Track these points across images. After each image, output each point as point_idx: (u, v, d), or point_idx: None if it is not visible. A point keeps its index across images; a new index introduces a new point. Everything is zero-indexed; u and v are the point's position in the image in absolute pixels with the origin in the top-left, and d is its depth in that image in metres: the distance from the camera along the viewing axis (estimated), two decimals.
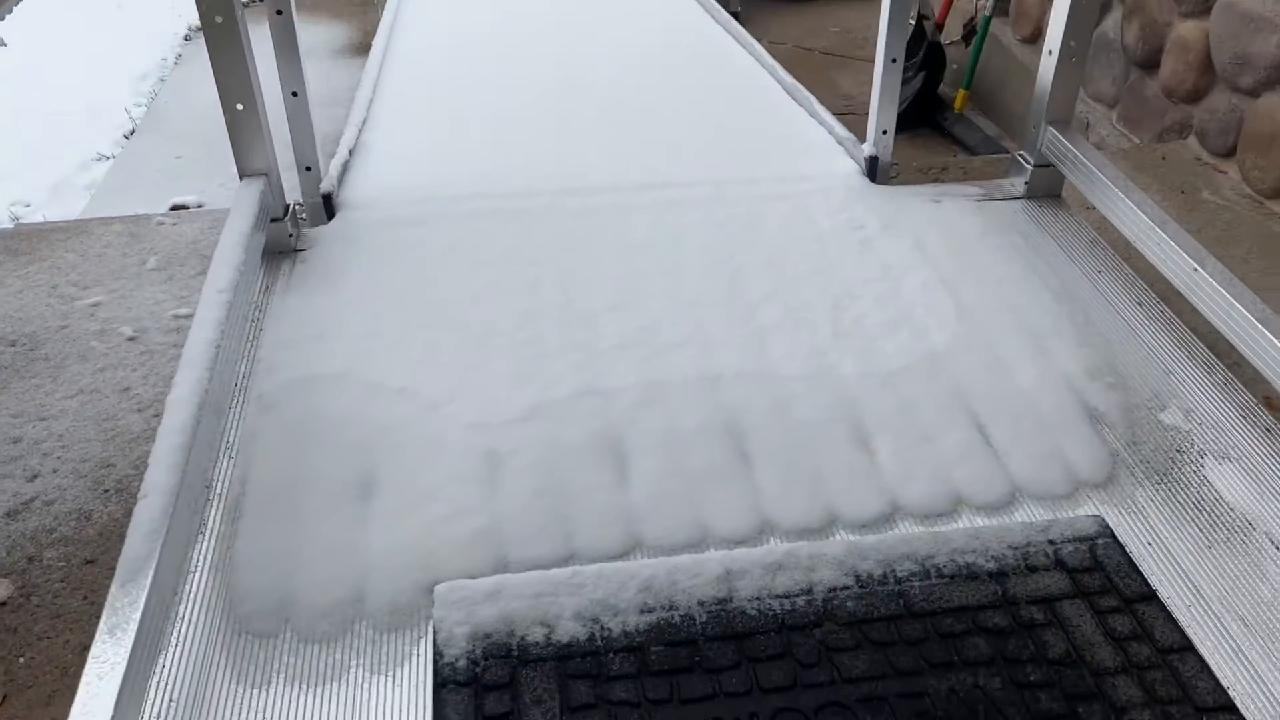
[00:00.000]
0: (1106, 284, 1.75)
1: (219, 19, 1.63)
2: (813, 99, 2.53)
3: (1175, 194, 2.36)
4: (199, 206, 3.05)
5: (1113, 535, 1.24)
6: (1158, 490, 1.33)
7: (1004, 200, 2.01)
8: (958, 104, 3.66)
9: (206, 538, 1.24)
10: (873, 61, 2.07)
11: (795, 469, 1.36)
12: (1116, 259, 1.81)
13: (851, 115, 3.41)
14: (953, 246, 1.85)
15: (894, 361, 1.56)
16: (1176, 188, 2.39)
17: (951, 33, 3.87)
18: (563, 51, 3.07)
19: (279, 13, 1.81)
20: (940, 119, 3.66)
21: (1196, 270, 1.53)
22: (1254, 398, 1.47)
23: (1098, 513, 1.30)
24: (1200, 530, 1.27)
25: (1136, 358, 1.57)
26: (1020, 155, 2.04)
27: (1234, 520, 1.29)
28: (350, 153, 2.24)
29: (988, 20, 3.57)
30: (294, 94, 1.89)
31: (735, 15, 4.44)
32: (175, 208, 3.05)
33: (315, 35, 4.55)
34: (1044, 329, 1.63)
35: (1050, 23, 1.89)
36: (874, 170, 2.10)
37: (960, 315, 1.66)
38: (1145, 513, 1.30)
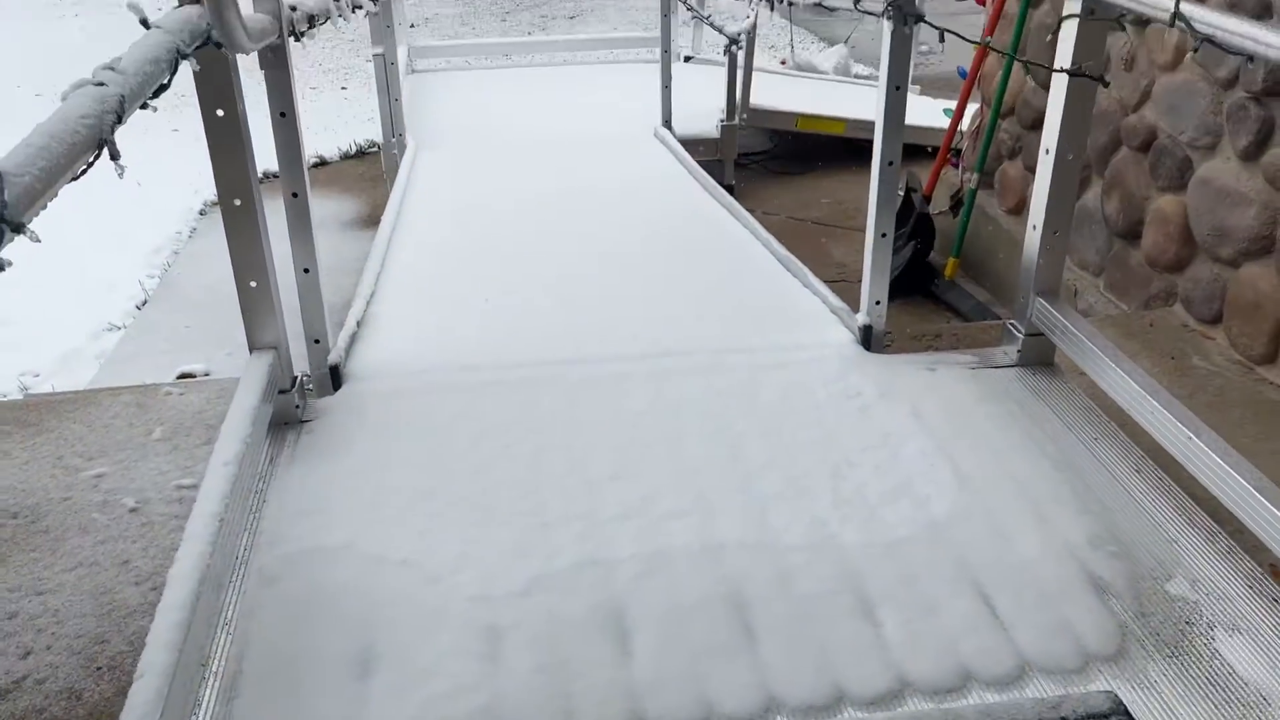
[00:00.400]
0: (1104, 451, 1.77)
1: (238, 202, 1.71)
2: (806, 270, 2.61)
3: (1165, 360, 2.41)
4: (206, 375, 3.10)
5: (1127, 712, 1.21)
6: (1169, 664, 1.31)
7: (998, 368, 2.05)
8: (948, 271, 3.77)
9: (200, 718, 1.21)
10: (863, 231, 2.15)
11: (800, 643, 1.34)
12: (1112, 426, 1.83)
13: (844, 282, 3.50)
14: (949, 414, 1.87)
15: (896, 531, 1.56)
16: (1166, 353, 2.44)
17: (939, 203, 4.03)
18: (565, 225, 3.19)
19: (295, 195, 1.89)
20: (932, 286, 3.77)
21: (1192, 439, 1.55)
22: (1259, 566, 1.47)
23: (1110, 688, 1.27)
24: (1215, 706, 1.25)
25: (1138, 526, 1.57)
26: (1011, 324, 2.10)
27: (1249, 696, 1.26)
28: (358, 324, 2.30)
29: (973, 193, 3.72)
30: (305, 270, 1.96)
31: (730, 188, 4.63)
32: (182, 376, 3.10)
33: (326, 208, 4.72)
34: (1044, 496, 1.64)
35: (1032, 200, 1.97)
36: (868, 339, 2.15)
37: (960, 483, 1.67)
38: (1158, 688, 1.28)
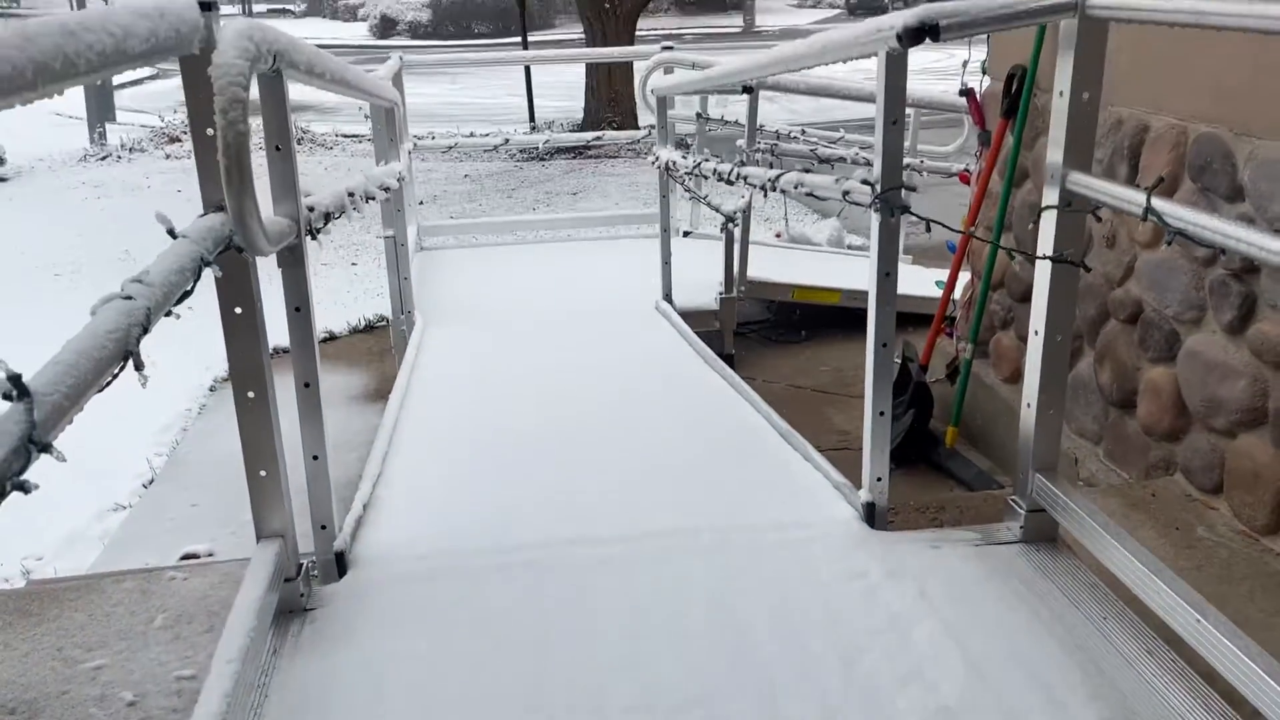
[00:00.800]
0: (1113, 631, 1.75)
1: (251, 394, 1.76)
2: (808, 444, 2.64)
3: (1170, 531, 2.40)
4: (210, 555, 3.09)
5: None
6: None
7: (1002, 545, 2.06)
8: (949, 439, 3.80)
9: None
10: (863, 398, 2.19)
11: None
12: (1120, 605, 1.82)
13: (847, 450, 3.53)
14: (956, 595, 1.87)
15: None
16: (1170, 524, 2.44)
17: (936, 372, 4.10)
18: (569, 399, 3.25)
19: (306, 385, 1.95)
20: (934, 455, 3.79)
21: (1200, 621, 1.54)
22: None
23: None
24: None
25: (1153, 711, 1.55)
26: (1013, 500, 2.11)
27: None
28: (364, 508, 2.32)
29: (968, 362, 3.79)
30: (315, 457, 1.99)
31: (730, 358, 4.72)
32: (186, 556, 3.09)
33: (333, 383, 4.80)
34: (1055, 680, 1.61)
35: (1025, 377, 2.02)
36: (872, 516, 2.16)
37: (969, 668, 1.65)
38: None
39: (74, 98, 12.66)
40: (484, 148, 7.29)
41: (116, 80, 17.96)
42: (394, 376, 3.69)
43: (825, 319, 5.46)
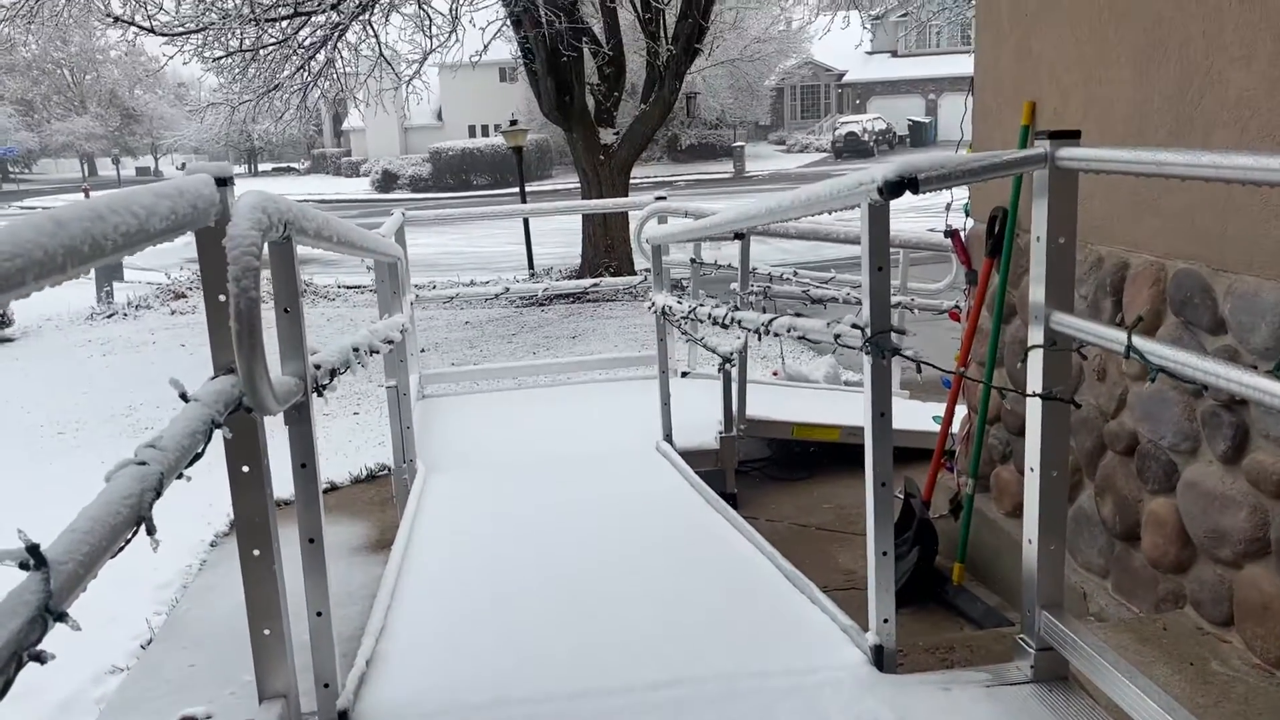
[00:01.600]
0: None
1: (256, 552, 1.77)
2: (813, 586, 2.62)
3: (1184, 666, 2.37)
4: (208, 718, 3.02)
5: None
6: None
7: (1013, 685, 2.03)
8: (955, 576, 3.77)
9: None
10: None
11: None
12: None
13: (854, 589, 3.49)
14: None
15: None
16: (1184, 659, 2.40)
17: (939, 507, 4.09)
18: (571, 544, 3.24)
19: (311, 540, 1.96)
20: (941, 592, 3.75)
21: None
22: None
23: None
24: None
25: None
26: (1021, 639, 2.09)
27: None
28: (367, 664, 2.29)
29: (970, 497, 3.79)
30: (319, 613, 1.98)
31: (733, 497, 4.72)
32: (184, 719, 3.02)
33: (335, 534, 4.78)
34: None
35: (1024, 514, 2.04)
36: (880, 659, 2.14)
37: None
38: None
39: None
40: (484, 296, 7.45)
41: None
42: (396, 526, 3.69)
43: (826, 455, 5.48)
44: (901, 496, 3.95)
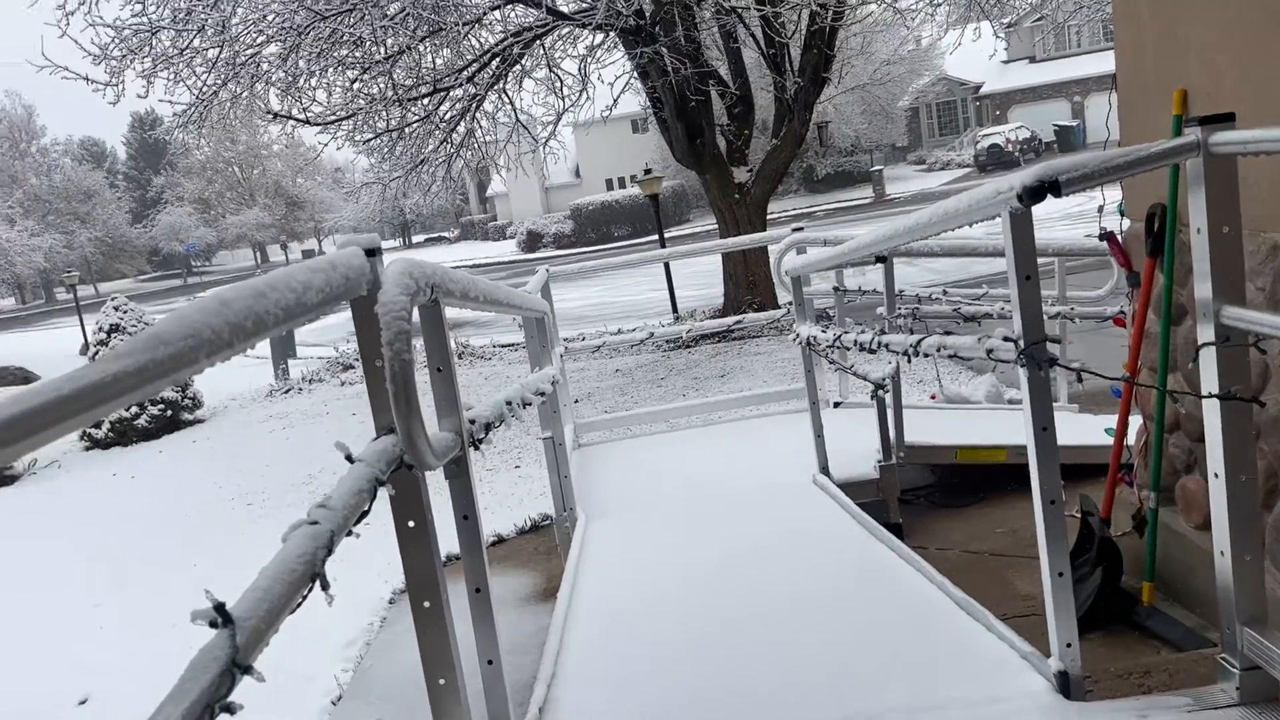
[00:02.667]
0: None
1: (427, 604, 1.83)
2: (988, 613, 2.52)
3: None
4: None
5: None
6: None
7: (1218, 709, 1.88)
8: (1145, 597, 3.54)
9: None
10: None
11: None
12: None
13: (1035, 616, 3.33)
14: None
15: None
16: None
17: (1121, 524, 3.86)
18: (733, 582, 3.21)
19: (477, 590, 2.02)
20: (1131, 614, 3.53)
21: None
22: None
23: None
24: None
25: None
26: (1223, 659, 1.94)
27: None
28: (540, 710, 2.32)
29: (1154, 511, 3.57)
30: (489, 662, 2.03)
31: (897, 528, 4.59)
32: None
33: (503, 585, 4.89)
34: None
35: (1214, 525, 1.90)
36: (1066, 685, 2.03)
37: None
38: None
39: None
40: (630, 343, 7.56)
41: None
42: (561, 574, 3.75)
43: (994, 478, 5.26)
44: (1079, 515, 3.75)
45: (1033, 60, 42.80)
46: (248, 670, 0.98)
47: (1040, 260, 2.23)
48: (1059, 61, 41.77)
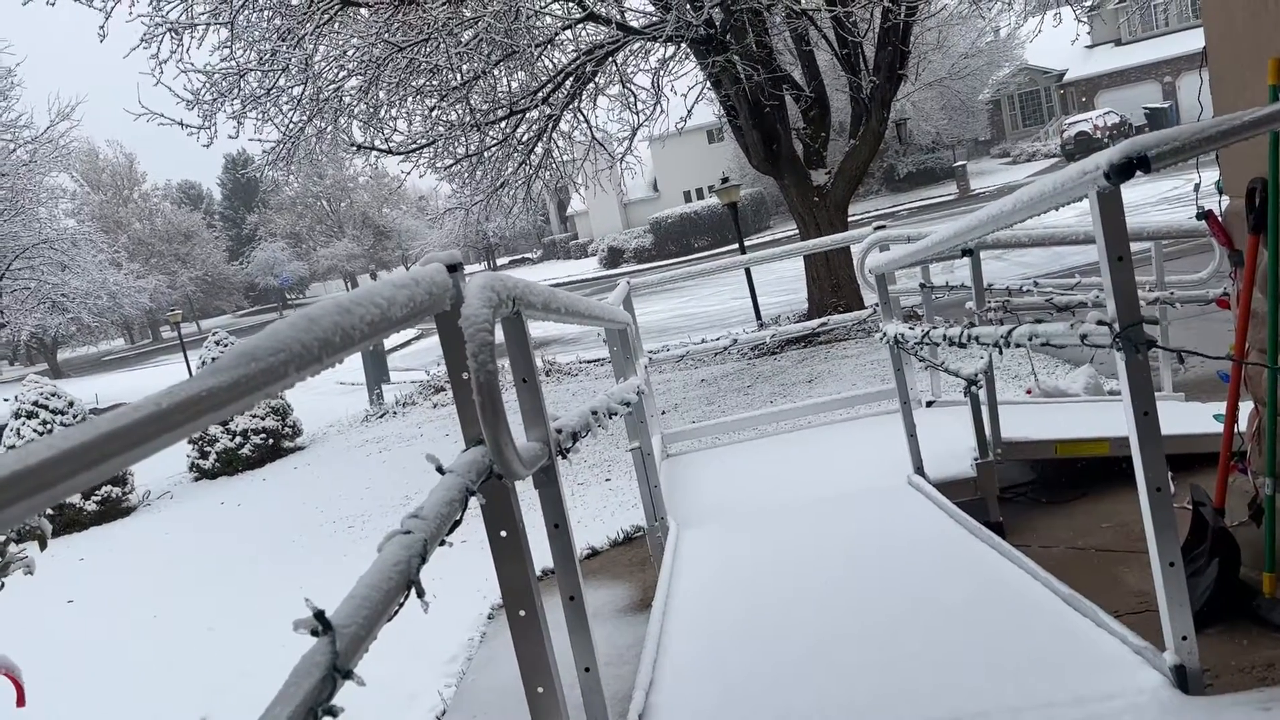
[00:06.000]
0: None
1: (522, 613, 1.85)
2: (1097, 609, 2.44)
3: None
4: None
5: None
6: None
7: None
8: (1265, 588, 3.38)
9: None
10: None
11: None
12: None
13: (1149, 612, 3.21)
14: None
15: None
16: None
17: (1237, 514, 3.70)
18: (829, 585, 3.17)
19: (571, 598, 2.03)
20: (1252, 607, 3.37)
21: None
22: None
23: None
24: None
25: None
26: None
27: None
28: (640, 717, 2.32)
29: (1271, 499, 3.41)
30: (586, 669, 2.04)
31: (998, 526, 4.47)
32: None
33: (599, 597, 4.91)
34: None
35: None
36: (1184, 680, 1.95)
37: None
38: None
39: (353, 365, 14.27)
40: (714, 351, 7.54)
41: (388, 344, 20.13)
42: (655, 586, 3.75)
43: (1098, 472, 5.09)
44: (1190, 506, 3.61)
45: (1118, 43, 41.53)
46: (348, 675, 1.00)
47: (1136, 246, 2.16)
48: (1147, 42, 40.46)
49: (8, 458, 0.61)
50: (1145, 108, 38.12)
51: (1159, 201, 18.20)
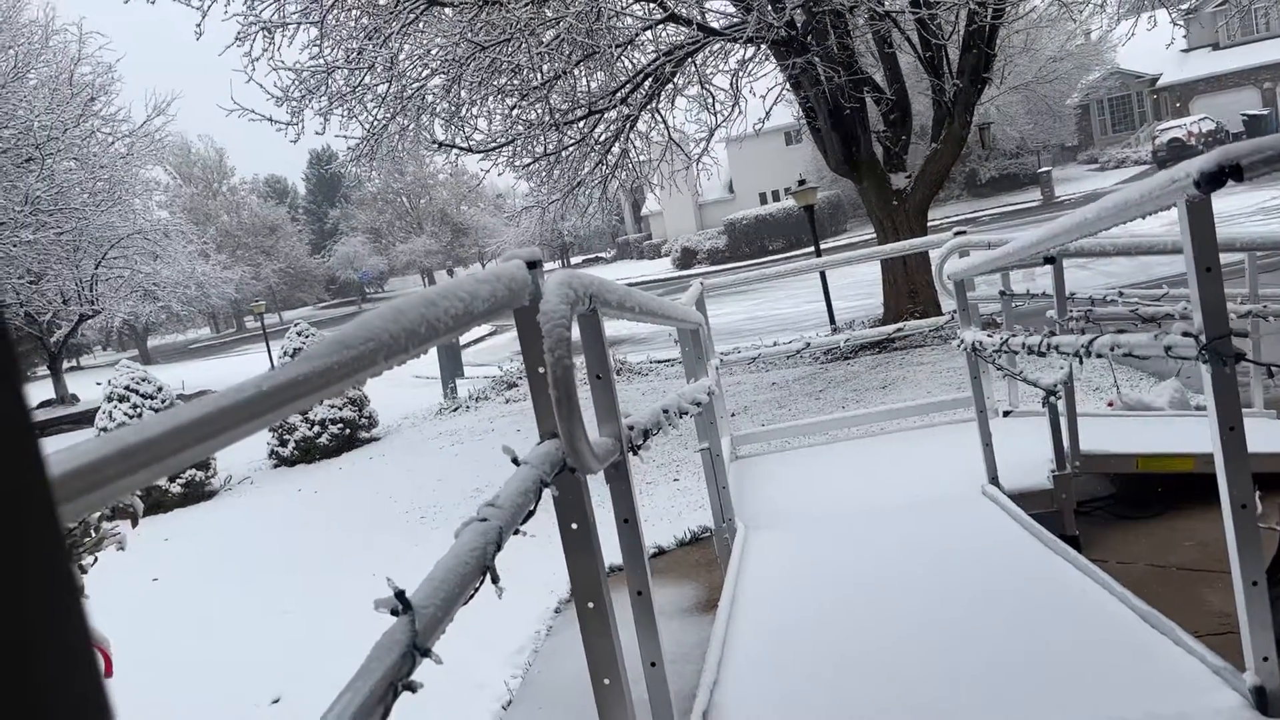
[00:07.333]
0: None
1: (591, 604, 1.88)
2: (1175, 626, 2.38)
3: None
4: None
5: None
6: None
7: None
8: None
9: None
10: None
11: None
12: None
13: (1230, 634, 3.12)
14: None
15: None
16: None
17: None
18: (899, 594, 3.14)
19: (639, 593, 2.05)
20: None
21: None
22: None
23: None
24: None
25: None
26: None
27: None
28: (704, 715, 2.34)
29: None
30: (652, 664, 2.06)
31: (1074, 540, 4.38)
32: None
33: (666, 596, 4.94)
34: None
35: None
36: (1264, 701, 1.90)
37: None
38: None
39: (429, 359, 14.52)
40: (786, 354, 7.51)
41: (463, 339, 20.45)
42: (721, 587, 3.75)
43: (1182, 489, 4.95)
44: (1278, 528, 3.50)
45: (1216, 47, 40.18)
46: (426, 653, 1.04)
47: (1229, 256, 2.11)
48: (1246, 47, 39.07)
49: (125, 431, 0.66)
50: (1243, 114, 36.81)
51: (1255, 211, 17.58)
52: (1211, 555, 4.32)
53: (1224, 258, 2.04)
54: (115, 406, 11.18)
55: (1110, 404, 6.76)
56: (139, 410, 11.04)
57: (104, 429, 11.00)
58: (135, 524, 2.94)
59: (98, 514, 2.76)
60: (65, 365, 28.44)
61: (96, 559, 2.87)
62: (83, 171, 21.36)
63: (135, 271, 25.06)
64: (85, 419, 17.65)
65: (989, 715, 2.14)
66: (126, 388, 11.26)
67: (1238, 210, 17.90)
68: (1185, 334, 1.93)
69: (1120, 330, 2.73)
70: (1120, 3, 14.63)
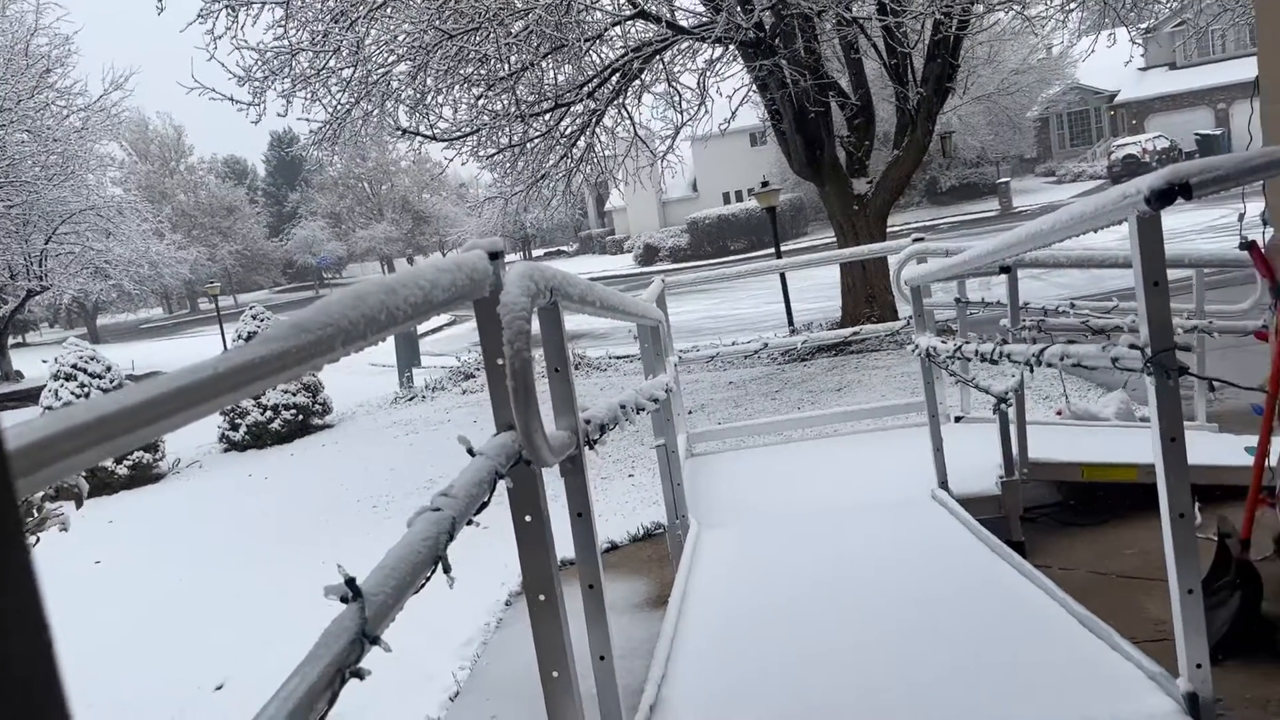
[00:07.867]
0: None
1: (542, 597, 1.89)
2: (1113, 632, 2.44)
3: None
4: None
5: None
6: None
7: None
8: None
9: None
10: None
11: None
12: None
13: (1166, 640, 3.20)
14: None
15: None
16: None
17: (1261, 548, 3.67)
18: (846, 596, 3.18)
19: (590, 586, 2.06)
20: (1273, 642, 3.35)
21: None
22: None
23: None
24: None
25: None
26: None
27: None
28: (650, 709, 2.35)
29: None
30: (601, 658, 2.07)
31: (1019, 545, 4.45)
32: None
33: (616, 591, 4.95)
34: None
35: None
36: (1195, 707, 1.95)
37: None
38: None
39: (385, 347, 14.41)
40: (744, 354, 7.56)
41: (421, 329, 20.31)
42: (672, 582, 3.77)
43: (1124, 499, 5.06)
44: (1216, 538, 3.59)
45: (1173, 67, 40.99)
46: (375, 640, 1.03)
47: (1178, 273, 2.16)
48: (1201, 68, 39.89)
49: (76, 408, 0.65)
50: (1196, 134, 37.60)
51: (1205, 229, 17.96)
52: (1151, 563, 4.42)
53: (1172, 274, 2.09)
54: (62, 385, 10.97)
55: (1059, 413, 6.88)
56: (86, 389, 10.84)
57: (49, 407, 10.79)
58: (79, 505, 2.89)
59: (40, 494, 2.72)
60: (10, 341, 27.82)
61: (39, 539, 2.82)
62: (35, 144, 20.90)
63: (86, 248, 24.58)
64: (30, 397, 17.30)
65: (931, 713, 2.18)
66: (74, 366, 11.05)
67: (1188, 228, 18.28)
68: (1132, 346, 1.98)
69: (1071, 341, 2.79)
70: (1081, 19, 14.87)
